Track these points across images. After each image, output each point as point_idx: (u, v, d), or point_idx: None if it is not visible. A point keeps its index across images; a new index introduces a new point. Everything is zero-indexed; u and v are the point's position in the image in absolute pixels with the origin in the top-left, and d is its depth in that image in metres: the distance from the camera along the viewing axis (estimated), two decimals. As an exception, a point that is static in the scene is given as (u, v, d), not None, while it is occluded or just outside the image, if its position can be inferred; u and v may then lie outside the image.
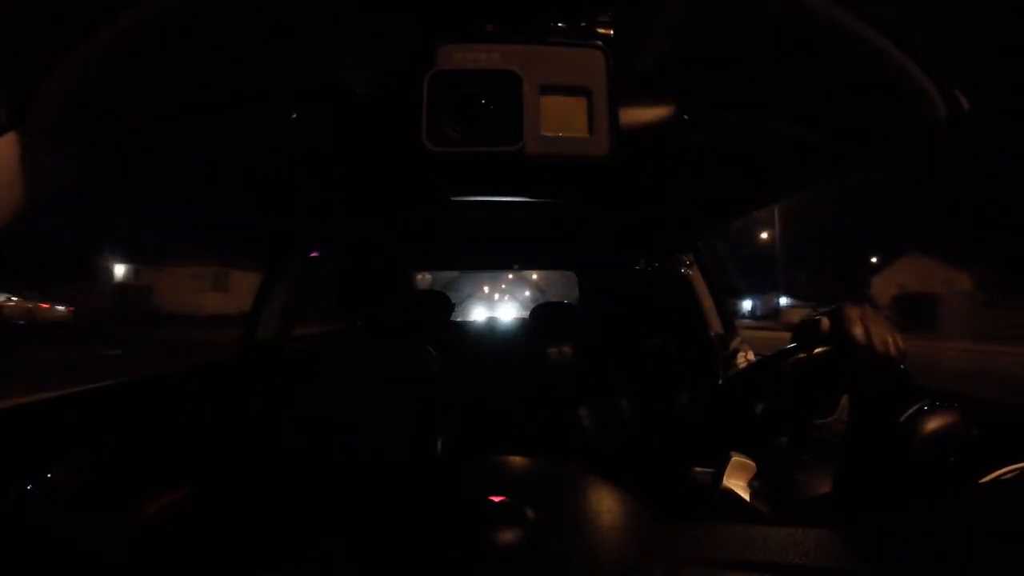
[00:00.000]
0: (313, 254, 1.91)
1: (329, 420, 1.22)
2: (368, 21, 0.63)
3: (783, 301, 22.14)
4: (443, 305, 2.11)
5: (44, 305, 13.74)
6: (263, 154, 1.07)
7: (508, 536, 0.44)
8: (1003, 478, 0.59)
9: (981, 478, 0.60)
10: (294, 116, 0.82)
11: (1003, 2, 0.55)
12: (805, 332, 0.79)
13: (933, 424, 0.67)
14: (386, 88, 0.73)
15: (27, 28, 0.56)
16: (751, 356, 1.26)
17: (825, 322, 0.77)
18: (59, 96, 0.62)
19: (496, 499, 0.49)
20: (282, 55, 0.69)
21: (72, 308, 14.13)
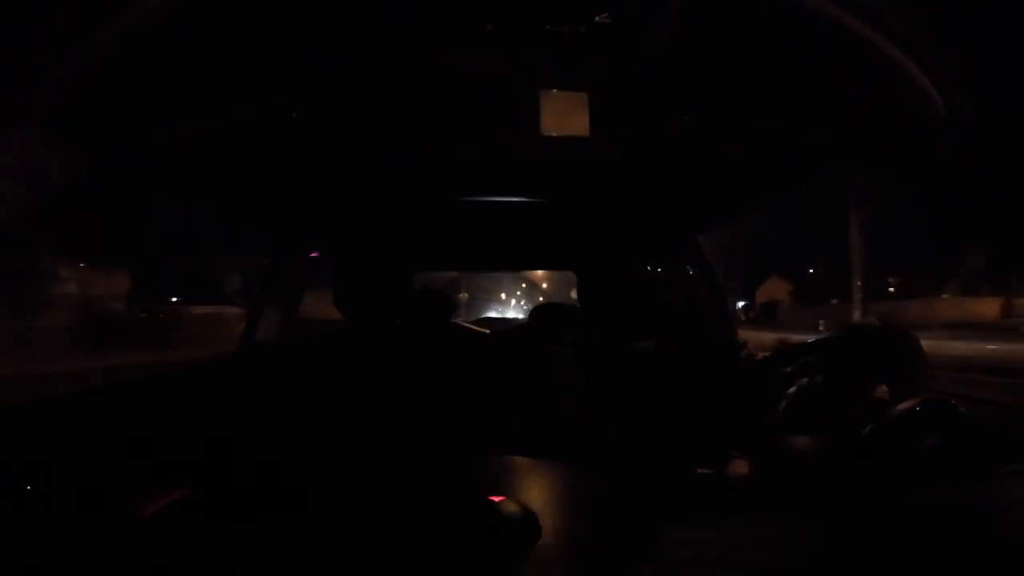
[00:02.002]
0: (313, 254, 1.92)
1: (328, 419, 1.22)
2: (369, 22, 0.63)
3: (739, 304, 29.81)
4: (443, 305, 2.10)
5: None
6: (263, 154, 1.07)
7: (508, 536, 0.44)
8: (1003, 478, 0.59)
9: (981, 477, 0.60)
10: (294, 116, 0.82)
11: (1002, 2, 0.55)
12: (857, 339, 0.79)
13: (932, 424, 0.67)
14: (387, 89, 0.73)
15: (29, 27, 0.56)
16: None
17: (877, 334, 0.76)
18: (61, 95, 0.62)
19: (496, 499, 0.49)
20: (282, 55, 0.69)
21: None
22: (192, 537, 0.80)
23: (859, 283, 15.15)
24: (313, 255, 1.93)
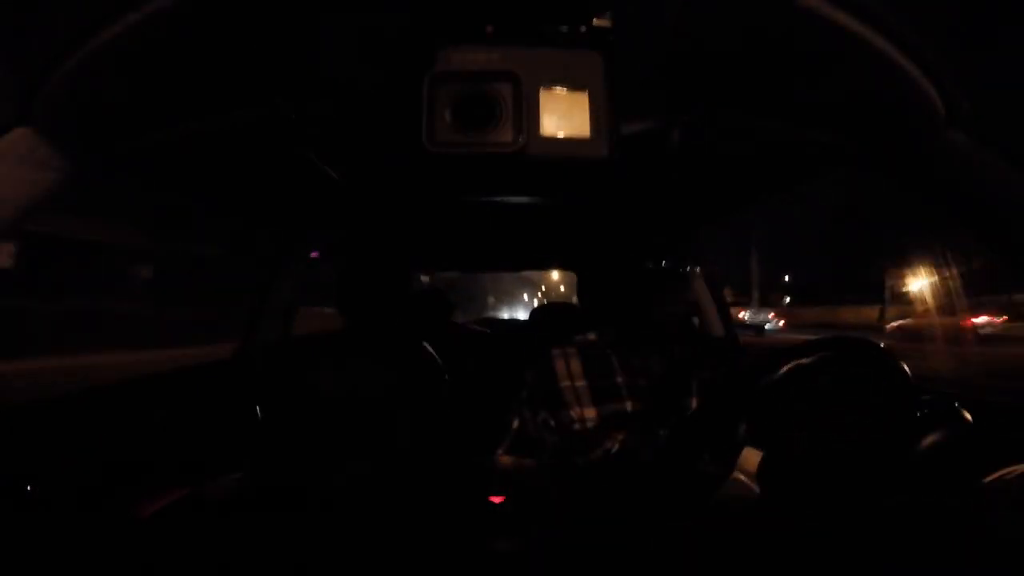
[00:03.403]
0: (313, 254, 1.92)
1: (329, 420, 1.22)
2: (368, 21, 0.63)
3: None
4: (442, 305, 2.10)
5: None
6: (263, 154, 1.07)
7: (507, 535, 0.44)
8: (1003, 478, 0.59)
9: (981, 478, 0.60)
10: (294, 116, 0.82)
11: (1002, 2, 0.55)
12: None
13: (933, 424, 0.67)
14: (386, 88, 0.73)
15: (30, 26, 0.56)
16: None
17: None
18: (61, 94, 0.62)
19: (496, 499, 0.49)
20: (282, 55, 0.69)
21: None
22: (192, 537, 0.80)
23: (756, 295, 25.21)
24: (313, 255, 1.93)
